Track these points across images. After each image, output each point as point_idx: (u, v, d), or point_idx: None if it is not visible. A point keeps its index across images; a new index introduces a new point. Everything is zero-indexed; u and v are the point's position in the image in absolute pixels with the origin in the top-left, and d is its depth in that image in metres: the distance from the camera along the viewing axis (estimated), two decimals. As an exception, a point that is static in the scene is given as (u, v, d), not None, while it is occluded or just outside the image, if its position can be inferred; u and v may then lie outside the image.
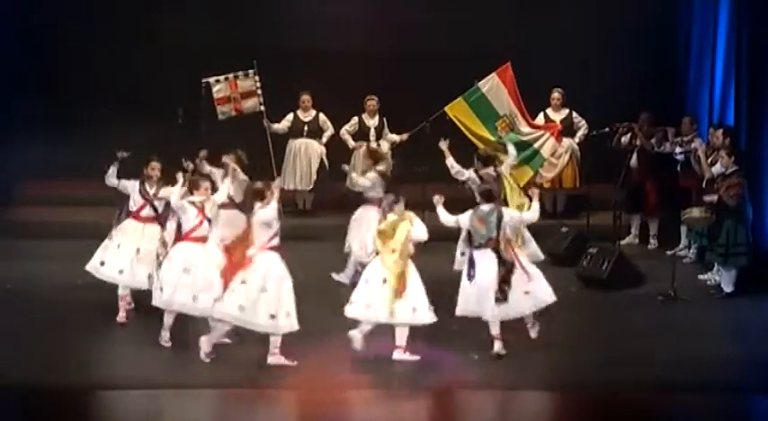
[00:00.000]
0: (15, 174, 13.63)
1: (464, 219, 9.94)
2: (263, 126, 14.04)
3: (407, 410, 8.71)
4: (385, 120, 14.48)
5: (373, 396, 8.80)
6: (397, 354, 9.53)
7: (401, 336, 9.54)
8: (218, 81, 13.88)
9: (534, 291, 9.89)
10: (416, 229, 9.66)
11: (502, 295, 9.62)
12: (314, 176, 14.40)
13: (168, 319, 9.87)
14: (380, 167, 11.76)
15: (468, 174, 11.35)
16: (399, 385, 9.04)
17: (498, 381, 9.06)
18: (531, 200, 10.44)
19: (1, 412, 8.47)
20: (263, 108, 14.03)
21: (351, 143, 14.41)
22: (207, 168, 11.39)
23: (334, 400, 8.66)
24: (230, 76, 13.92)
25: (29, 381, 8.87)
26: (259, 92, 14.01)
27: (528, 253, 10.69)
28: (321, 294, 11.25)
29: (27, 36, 15.01)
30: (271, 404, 8.81)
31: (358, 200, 14.37)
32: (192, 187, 10.06)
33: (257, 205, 9.55)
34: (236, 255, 9.53)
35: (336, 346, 9.67)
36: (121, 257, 10.50)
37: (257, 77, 13.95)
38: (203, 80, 13.83)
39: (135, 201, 10.62)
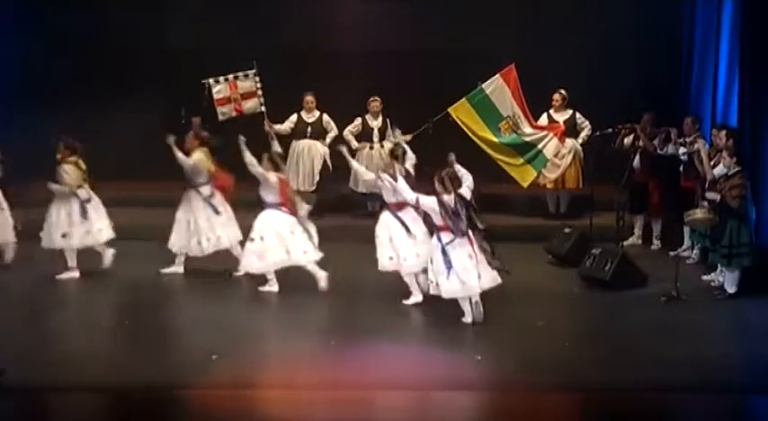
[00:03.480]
0: (16, 174, 13.63)
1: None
2: (265, 126, 14.07)
3: (407, 410, 8.70)
4: (388, 121, 14.49)
5: (370, 396, 8.78)
6: None
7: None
8: (217, 82, 13.90)
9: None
10: None
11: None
12: (317, 177, 14.41)
13: None
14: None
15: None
16: (396, 384, 9.02)
17: (499, 382, 9.04)
18: None
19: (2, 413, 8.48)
20: (263, 109, 14.03)
21: (354, 144, 14.41)
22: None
23: (331, 400, 8.65)
24: (230, 76, 13.94)
25: (27, 381, 8.86)
26: (260, 92, 14.02)
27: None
28: (324, 293, 11.38)
29: (26, 37, 15.04)
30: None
31: (362, 200, 14.47)
32: None
33: None
34: None
35: (341, 344, 9.74)
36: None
37: (258, 78, 13.96)
38: (203, 81, 13.85)
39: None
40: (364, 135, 14.50)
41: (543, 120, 14.24)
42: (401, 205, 10.92)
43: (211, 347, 9.59)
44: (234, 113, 13.98)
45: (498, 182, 14.41)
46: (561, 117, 14.28)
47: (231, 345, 9.75)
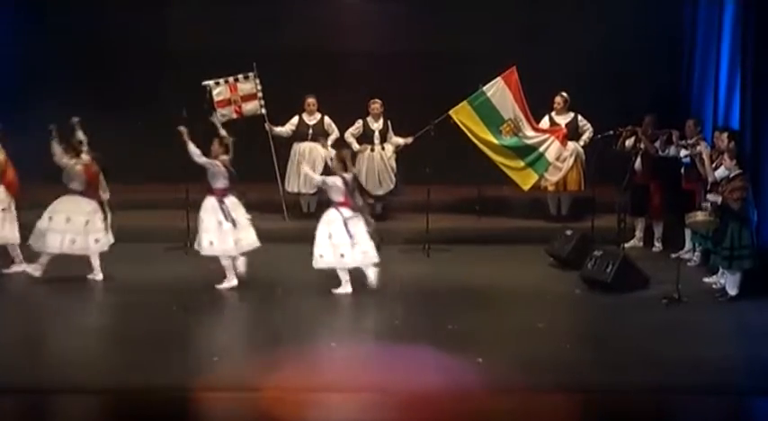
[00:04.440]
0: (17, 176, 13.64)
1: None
2: (265, 128, 14.05)
3: (408, 412, 8.68)
4: (389, 123, 14.46)
5: (371, 398, 8.76)
6: None
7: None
8: (217, 83, 13.89)
9: None
10: None
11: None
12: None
13: None
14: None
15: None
16: (399, 386, 9.01)
17: (499, 382, 9.02)
18: None
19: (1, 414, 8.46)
20: (264, 111, 14.01)
21: (355, 146, 14.37)
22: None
23: (330, 403, 8.64)
24: (230, 78, 13.94)
25: (30, 383, 8.85)
26: (260, 94, 14.01)
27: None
28: (323, 296, 11.33)
29: (26, 37, 15.03)
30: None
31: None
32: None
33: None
34: None
35: (339, 348, 9.71)
36: None
37: (258, 80, 13.95)
38: (203, 83, 13.83)
39: None
40: (365, 137, 14.46)
41: (545, 122, 14.22)
42: (225, 191, 11.52)
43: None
44: (234, 115, 13.97)
45: (499, 184, 14.38)
46: (563, 120, 14.26)
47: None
